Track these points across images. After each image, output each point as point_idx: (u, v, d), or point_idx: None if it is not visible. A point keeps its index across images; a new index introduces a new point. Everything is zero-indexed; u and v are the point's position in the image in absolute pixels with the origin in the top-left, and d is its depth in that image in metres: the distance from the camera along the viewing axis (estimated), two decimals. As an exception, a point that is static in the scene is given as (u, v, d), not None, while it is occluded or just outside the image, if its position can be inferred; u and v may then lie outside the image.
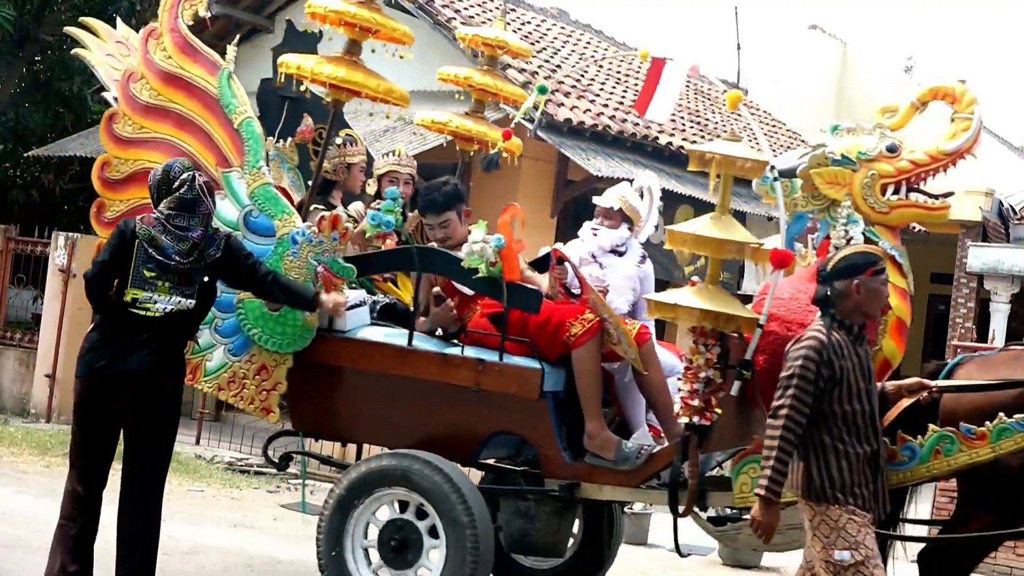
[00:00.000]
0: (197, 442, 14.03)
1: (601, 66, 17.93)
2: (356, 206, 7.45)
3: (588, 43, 20.00)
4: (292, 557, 8.66)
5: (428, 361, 6.50)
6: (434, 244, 6.75)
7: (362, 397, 6.72)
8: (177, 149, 6.84)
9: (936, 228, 17.70)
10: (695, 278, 6.18)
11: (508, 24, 6.98)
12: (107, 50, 7.44)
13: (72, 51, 7.62)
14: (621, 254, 7.33)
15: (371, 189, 7.62)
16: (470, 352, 6.45)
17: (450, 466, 6.25)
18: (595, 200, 7.37)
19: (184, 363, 6.37)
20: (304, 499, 7.32)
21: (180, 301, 6.00)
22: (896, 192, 6.31)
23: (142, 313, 5.96)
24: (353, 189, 7.62)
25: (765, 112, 22.17)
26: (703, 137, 17.02)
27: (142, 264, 5.97)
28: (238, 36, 7.22)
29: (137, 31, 7.26)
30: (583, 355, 6.31)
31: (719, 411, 6.01)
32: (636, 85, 17.92)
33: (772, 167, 6.02)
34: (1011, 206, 18.69)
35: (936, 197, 6.39)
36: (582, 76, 16.88)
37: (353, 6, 6.66)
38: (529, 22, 18.22)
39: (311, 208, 6.98)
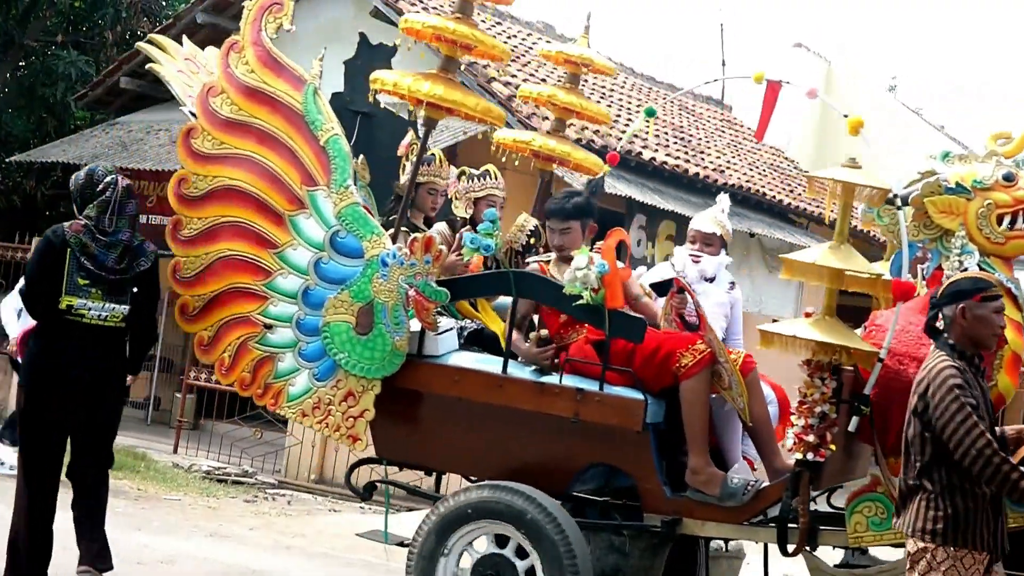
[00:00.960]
0: (175, 451, 14.19)
1: (587, 80, 17.74)
2: (440, 227, 7.24)
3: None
4: (267, 567, 8.61)
5: (524, 389, 6.28)
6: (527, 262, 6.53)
7: (452, 425, 6.50)
8: (259, 166, 6.63)
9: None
10: (810, 309, 5.98)
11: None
12: (177, 66, 7.22)
13: (147, 66, 7.37)
14: (711, 280, 7.13)
15: (460, 210, 7.39)
16: (569, 381, 6.23)
17: (554, 505, 6.02)
18: (694, 225, 7.16)
19: (124, 370, 6.73)
20: (387, 528, 7.06)
21: (114, 308, 6.48)
22: (1012, 222, 6.12)
23: (77, 320, 6.39)
24: (425, 210, 7.39)
25: (748, 129, 22.01)
26: (686, 153, 16.89)
27: (75, 272, 6.42)
28: (324, 51, 6.96)
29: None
30: (693, 386, 6.10)
31: (833, 447, 5.80)
32: (620, 100, 17.81)
33: (896, 195, 5.83)
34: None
35: (1051, 228, 6.19)
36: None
37: (451, 22, 6.45)
38: (515, 35, 18.00)
39: (400, 230, 6.75)
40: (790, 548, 6.01)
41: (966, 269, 6.03)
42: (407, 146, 7.36)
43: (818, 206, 19.11)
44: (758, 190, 16.97)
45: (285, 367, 6.54)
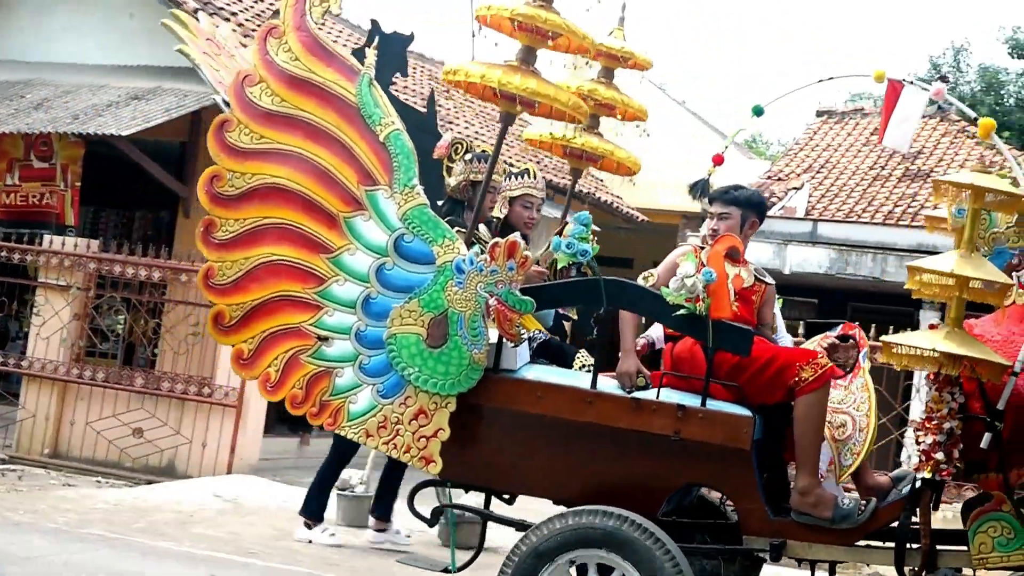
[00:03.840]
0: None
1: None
2: (479, 229, 6.76)
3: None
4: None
5: (617, 406, 5.86)
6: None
7: (534, 444, 6.03)
8: (308, 163, 6.06)
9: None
10: (935, 320, 5.70)
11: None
12: (202, 47, 6.58)
13: (175, 49, 6.69)
14: None
15: (496, 211, 6.91)
16: (667, 396, 5.83)
17: (660, 531, 5.61)
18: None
19: None
20: (453, 555, 6.55)
21: None
22: (1112, 228, 5.97)
23: None
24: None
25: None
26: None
27: None
28: (377, 38, 6.41)
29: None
30: (811, 402, 5.78)
31: (960, 465, 5.55)
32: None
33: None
34: None
35: None
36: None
37: (533, 8, 5.97)
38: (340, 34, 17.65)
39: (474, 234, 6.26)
40: (908, 571, 5.74)
41: (1070, 276, 5.86)
42: (446, 146, 6.86)
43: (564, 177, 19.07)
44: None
45: (344, 383, 6.00)
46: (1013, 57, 36.20)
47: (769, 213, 20.79)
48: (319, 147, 6.07)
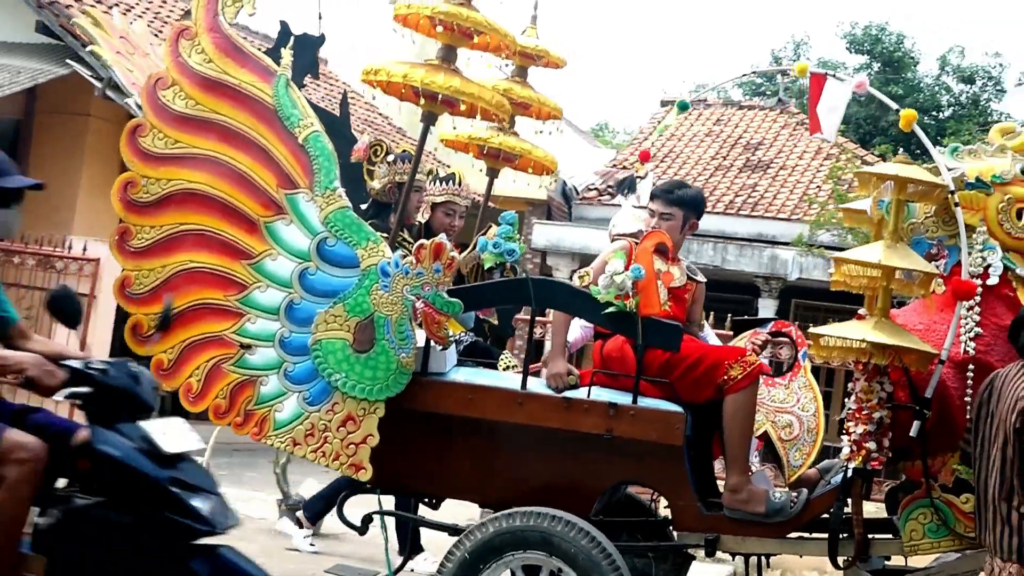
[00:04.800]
0: None
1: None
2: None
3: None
4: None
5: (549, 406, 5.81)
6: None
7: (465, 447, 5.96)
8: (225, 167, 5.92)
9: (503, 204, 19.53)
10: (862, 311, 5.75)
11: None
12: (115, 45, 6.40)
13: (88, 48, 6.48)
14: None
15: (419, 215, 6.83)
16: (598, 395, 5.80)
17: (596, 530, 5.57)
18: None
19: None
20: (389, 563, 6.44)
21: None
22: (1032, 217, 6.06)
23: None
24: (410, 211, 6.81)
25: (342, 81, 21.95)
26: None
27: None
28: (292, 39, 6.26)
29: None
30: (741, 400, 5.78)
31: (890, 455, 5.60)
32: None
33: (953, 191, 5.66)
34: (574, 187, 19.86)
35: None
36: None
37: (454, 7, 5.90)
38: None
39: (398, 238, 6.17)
40: (841, 560, 5.78)
41: (989, 265, 5.94)
42: (365, 148, 6.76)
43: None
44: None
45: (269, 391, 5.87)
46: (851, 52, 37.28)
47: (613, 201, 21.24)
48: (236, 150, 5.94)
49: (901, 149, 18.67)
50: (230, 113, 5.96)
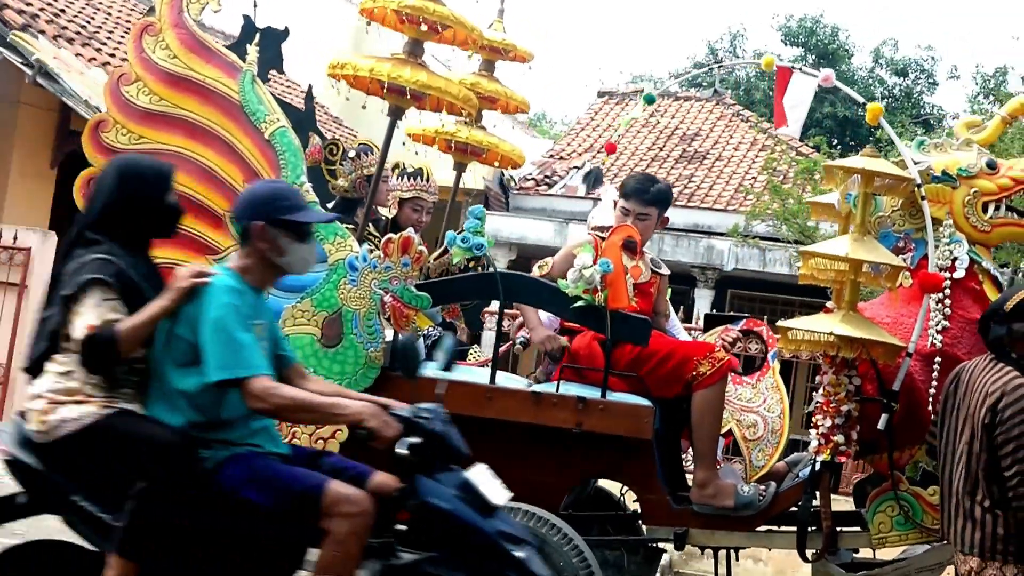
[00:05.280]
0: None
1: (109, 14, 17.75)
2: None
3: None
4: None
5: (518, 401, 5.80)
6: None
7: None
8: (190, 163, 5.89)
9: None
10: (830, 304, 5.76)
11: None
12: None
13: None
14: None
15: (386, 210, 6.81)
16: (567, 389, 5.79)
17: (566, 525, 5.56)
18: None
19: None
20: None
21: None
22: (997, 210, 6.08)
23: None
24: (381, 204, 6.78)
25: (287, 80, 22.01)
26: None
27: None
28: (257, 35, 6.24)
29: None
30: (709, 396, 5.79)
31: (858, 448, 5.61)
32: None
33: (920, 184, 5.68)
34: (511, 177, 19.95)
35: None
36: (88, 23, 16.37)
37: (420, 1, 5.87)
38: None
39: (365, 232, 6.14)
40: (809, 553, 5.79)
41: (956, 258, 5.95)
42: (318, 150, 6.73)
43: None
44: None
45: (239, 387, 5.83)
46: (786, 44, 37.59)
47: (551, 191, 21.35)
48: (202, 146, 5.93)
49: (835, 140, 18.71)
50: (195, 109, 5.94)
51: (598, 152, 22.32)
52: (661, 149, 23.02)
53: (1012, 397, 4.92)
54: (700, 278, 19.36)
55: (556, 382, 5.84)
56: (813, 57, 36.26)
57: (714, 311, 17.54)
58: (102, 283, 4.40)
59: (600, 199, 6.52)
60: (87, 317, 4.36)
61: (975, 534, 5.01)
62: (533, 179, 21.69)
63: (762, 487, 5.90)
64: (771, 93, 35.14)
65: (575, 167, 21.71)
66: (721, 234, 19.10)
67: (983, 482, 4.99)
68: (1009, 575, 4.96)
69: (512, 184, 20.53)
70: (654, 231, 6.34)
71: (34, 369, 4.51)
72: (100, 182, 4.76)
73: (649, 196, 6.21)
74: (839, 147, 19.48)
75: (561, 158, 22.71)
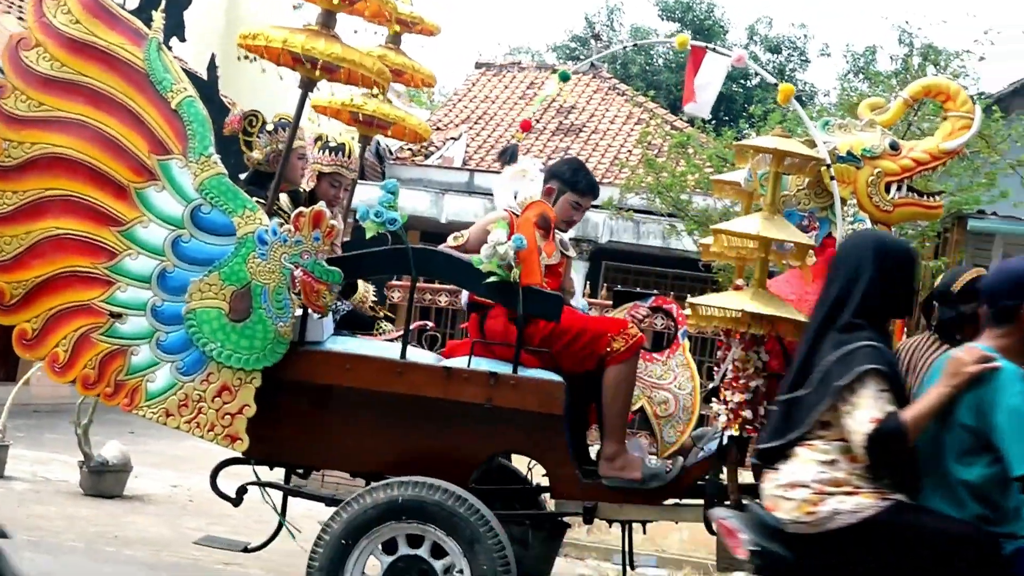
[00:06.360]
0: None
1: None
2: (280, 199, 6.54)
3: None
4: None
5: (429, 376, 5.78)
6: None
7: (341, 418, 5.89)
8: (93, 132, 5.77)
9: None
10: (739, 281, 5.82)
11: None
12: None
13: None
14: None
15: (304, 182, 6.72)
16: (479, 365, 5.79)
17: (477, 499, 5.57)
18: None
19: None
20: (288, 527, 6.32)
21: None
22: (898, 190, 6.20)
23: None
24: (294, 181, 6.68)
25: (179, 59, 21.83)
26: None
27: None
28: (164, 2, 6.08)
29: None
30: (621, 372, 5.83)
31: (765, 422, 5.68)
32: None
33: (829, 165, 5.76)
34: (387, 147, 20.20)
35: (931, 195, 6.34)
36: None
37: (334, -28, 5.80)
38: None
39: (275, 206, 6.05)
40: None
41: (859, 237, 6.04)
42: (238, 120, 6.62)
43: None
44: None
45: (141, 361, 5.74)
46: (663, 19, 38.12)
47: (427, 162, 21.31)
48: (105, 115, 5.79)
49: (711, 116, 18.87)
50: (99, 76, 5.80)
51: (475, 123, 22.29)
52: (538, 121, 23.09)
53: None
54: (575, 250, 19.43)
55: (467, 357, 5.83)
56: (689, 33, 36.64)
57: (619, 287, 17.65)
58: (879, 373, 4.32)
59: (515, 174, 6.49)
60: (870, 410, 4.28)
61: None
62: (410, 149, 21.61)
63: (669, 461, 5.96)
64: (647, 68, 35.40)
65: (452, 138, 21.70)
66: (596, 207, 19.24)
67: None
68: None
69: (388, 154, 20.43)
70: None
71: (774, 454, 4.46)
72: (855, 263, 4.70)
73: (596, 191, 6.32)
74: (713, 122, 19.71)
75: (438, 129, 22.65)
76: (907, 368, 5.22)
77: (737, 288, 5.80)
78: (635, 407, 6.49)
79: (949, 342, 5.13)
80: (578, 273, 19.18)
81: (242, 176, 6.48)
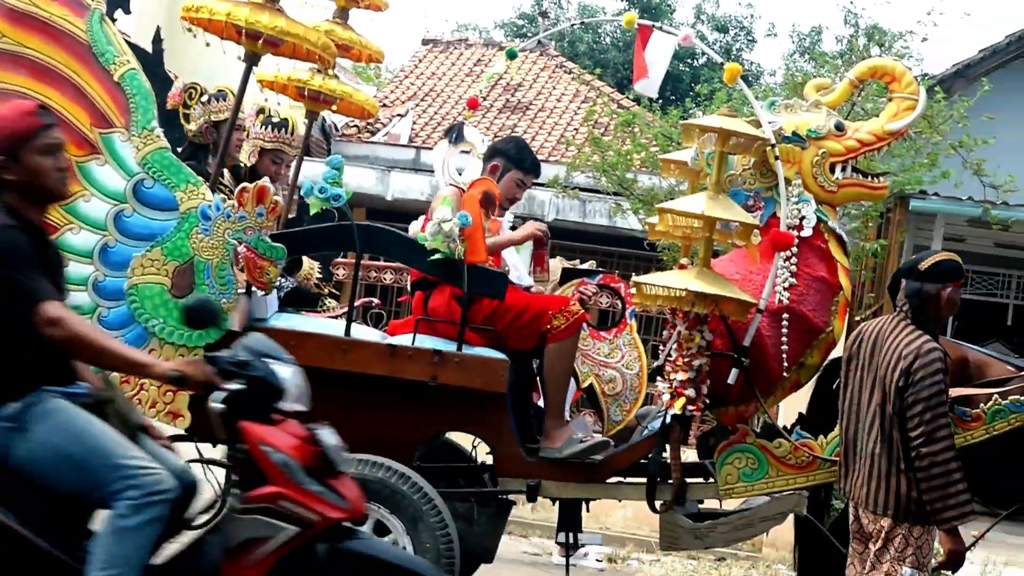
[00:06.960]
0: None
1: None
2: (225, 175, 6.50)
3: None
4: None
5: (373, 353, 5.76)
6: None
7: None
8: None
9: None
10: (684, 261, 5.84)
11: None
12: None
13: None
14: None
15: (245, 157, 6.67)
16: (423, 343, 5.78)
17: (420, 477, 5.57)
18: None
19: None
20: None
21: None
22: (843, 171, 6.22)
23: None
24: (230, 153, 6.62)
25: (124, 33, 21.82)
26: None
27: None
28: (107, -30, 6.03)
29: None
30: (562, 348, 5.84)
31: (707, 401, 5.72)
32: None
33: (774, 144, 5.78)
34: (333, 123, 20.28)
35: (875, 176, 6.38)
36: None
37: (279, -56, 5.75)
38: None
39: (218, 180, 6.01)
40: (658, 504, 5.89)
41: (804, 217, 6.09)
42: (179, 93, 6.56)
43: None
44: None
45: (82, 337, 5.67)
46: None
47: (373, 139, 21.22)
48: (47, 87, 5.71)
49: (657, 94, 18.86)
50: (40, 48, 5.72)
51: (422, 100, 22.19)
52: (485, 99, 23.03)
53: (925, 360, 5.09)
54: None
55: (412, 335, 5.81)
56: (636, 11, 36.66)
57: (566, 265, 17.63)
58: None
59: (454, 148, 6.49)
60: None
61: (888, 496, 5.16)
62: (355, 126, 21.48)
63: (587, 435, 5.97)
64: (595, 46, 35.31)
65: (398, 115, 21.58)
66: (542, 185, 19.23)
67: (899, 445, 5.13)
68: (916, 534, 5.13)
69: (334, 131, 20.32)
70: None
71: None
72: None
73: (540, 171, 6.28)
74: (659, 102, 19.76)
75: (384, 105, 22.52)
76: (873, 348, 5.26)
77: (682, 267, 5.82)
78: (584, 384, 6.51)
79: (915, 323, 5.19)
80: (525, 250, 19.18)
81: (179, 150, 6.42)
